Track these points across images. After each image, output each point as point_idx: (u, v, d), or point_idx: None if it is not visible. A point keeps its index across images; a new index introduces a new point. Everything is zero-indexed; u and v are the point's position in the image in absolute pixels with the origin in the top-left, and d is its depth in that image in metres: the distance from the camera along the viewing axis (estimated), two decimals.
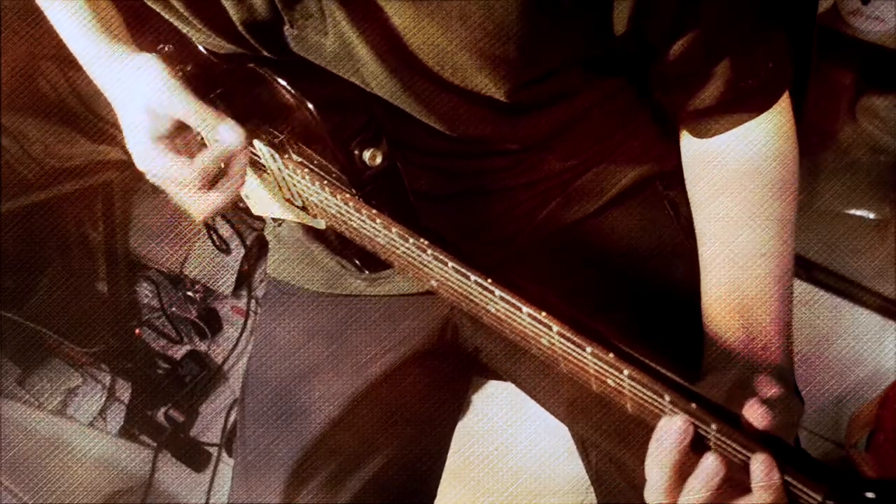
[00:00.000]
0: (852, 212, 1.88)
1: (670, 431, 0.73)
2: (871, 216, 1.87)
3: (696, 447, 0.73)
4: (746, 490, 0.71)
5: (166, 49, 1.02)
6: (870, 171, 1.86)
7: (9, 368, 2.09)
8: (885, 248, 1.81)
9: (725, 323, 0.91)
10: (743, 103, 0.90)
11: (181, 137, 0.93)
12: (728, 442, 0.71)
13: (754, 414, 0.71)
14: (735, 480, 0.72)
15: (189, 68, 1.00)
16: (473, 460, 1.15)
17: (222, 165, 0.92)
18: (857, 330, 1.81)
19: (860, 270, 1.82)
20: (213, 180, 0.92)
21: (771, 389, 0.77)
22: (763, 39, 0.88)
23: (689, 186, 0.97)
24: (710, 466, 0.72)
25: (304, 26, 0.84)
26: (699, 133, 0.93)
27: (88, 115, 1.91)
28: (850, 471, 1.63)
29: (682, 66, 0.86)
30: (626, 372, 0.72)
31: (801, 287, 1.86)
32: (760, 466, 0.69)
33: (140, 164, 0.94)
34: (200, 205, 0.94)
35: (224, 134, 0.91)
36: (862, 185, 1.86)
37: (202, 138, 0.94)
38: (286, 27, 0.85)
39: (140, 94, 0.92)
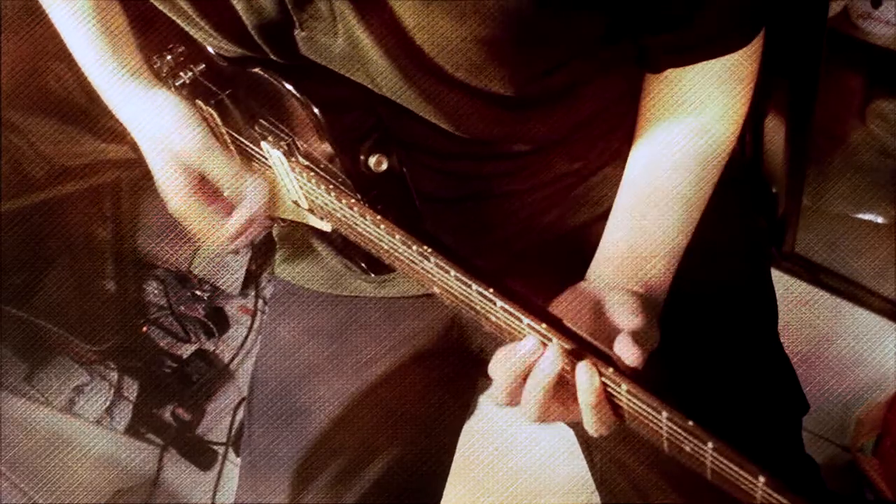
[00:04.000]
0: (860, 215, 1.88)
1: (526, 346, 0.79)
2: (879, 220, 1.87)
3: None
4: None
5: (175, 49, 1.03)
6: (878, 174, 1.86)
7: (16, 365, 2.10)
8: (889, 250, 1.81)
9: (617, 226, 0.97)
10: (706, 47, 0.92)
11: (210, 187, 1.03)
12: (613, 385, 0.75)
13: (626, 352, 0.77)
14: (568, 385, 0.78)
15: (198, 70, 1.02)
16: (473, 460, 1.16)
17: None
18: (858, 330, 1.81)
19: (864, 272, 1.83)
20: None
21: (636, 318, 0.82)
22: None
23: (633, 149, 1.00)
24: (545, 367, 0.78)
25: (314, 28, 0.84)
26: (664, 76, 0.96)
27: (97, 114, 1.92)
28: (855, 475, 1.63)
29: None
30: (624, 387, 0.73)
31: (801, 287, 1.87)
32: (583, 372, 0.75)
33: (172, 211, 1.05)
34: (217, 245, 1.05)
35: (252, 196, 1.01)
36: (870, 188, 1.87)
37: None
38: (296, 30, 0.85)
39: (166, 139, 1.01)
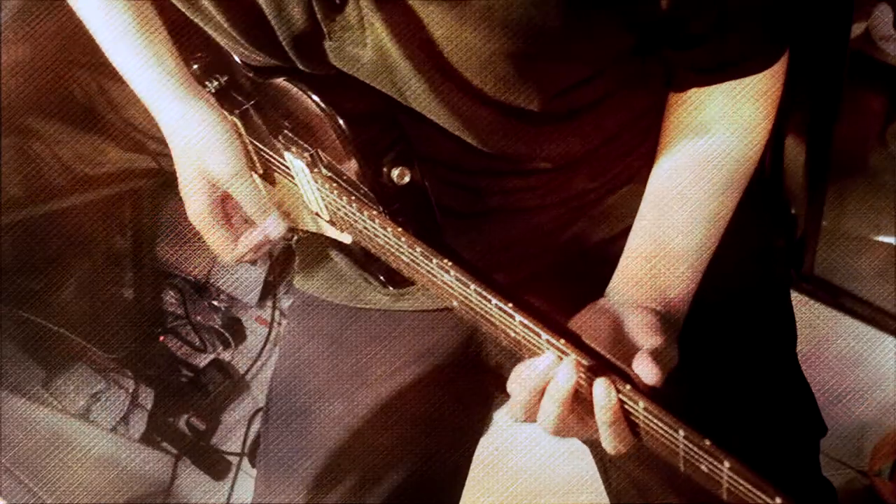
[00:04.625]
0: (880, 237, 1.87)
1: (545, 362, 0.78)
2: None
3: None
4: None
5: (201, 59, 1.04)
6: None
7: (34, 371, 2.11)
8: None
9: (637, 243, 0.97)
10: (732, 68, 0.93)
11: (233, 207, 1.08)
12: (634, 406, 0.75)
13: (645, 371, 0.77)
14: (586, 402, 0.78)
15: (223, 79, 1.03)
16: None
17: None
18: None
19: (884, 295, 1.81)
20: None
21: (655, 337, 0.82)
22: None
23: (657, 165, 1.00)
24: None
25: (343, 38, 0.85)
26: (687, 97, 0.96)
27: (120, 124, 1.94)
28: (872, 499, 1.62)
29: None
30: (641, 404, 0.73)
31: (825, 312, 1.86)
32: (600, 388, 0.75)
33: (192, 220, 1.08)
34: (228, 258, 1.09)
35: (270, 225, 1.06)
36: (890, 210, 1.85)
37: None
38: (325, 40, 0.86)
39: (201, 155, 1.03)
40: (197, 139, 1.03)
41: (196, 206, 1.06)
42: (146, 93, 1.06)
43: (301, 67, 0.90)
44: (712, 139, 0.95)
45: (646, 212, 0.98)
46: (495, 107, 0.88)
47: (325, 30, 0.85)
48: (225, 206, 1.07)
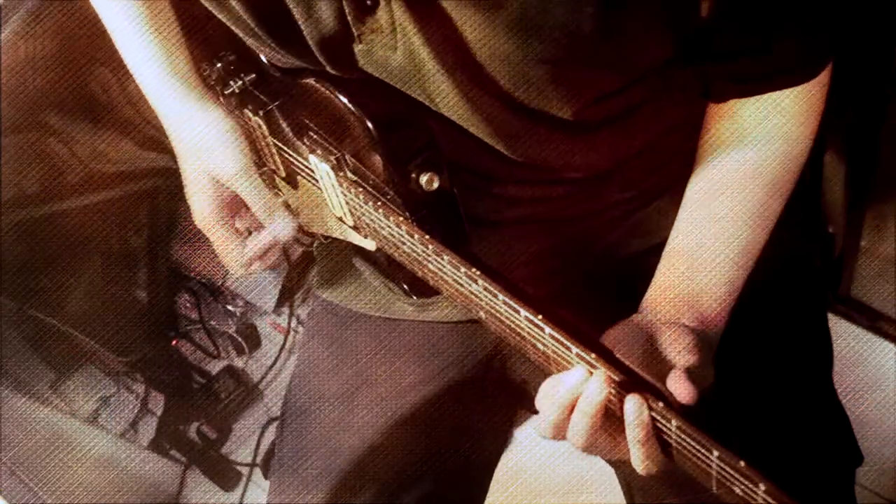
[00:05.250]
0: None
1: (575, 377, 0.78)
2: None
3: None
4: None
5: (225, 57, 1.05)
6: None
7: (43, 372, 2.11)
8: None
9: (673, 257, 0.96)
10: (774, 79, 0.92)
11: (240, 208, 1.08)
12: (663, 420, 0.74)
13: (679, 390, 0.76)
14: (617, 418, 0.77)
15: (248, 79, 1.03)
16: None
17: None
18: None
19: None
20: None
21: (691, 355, 0.81)
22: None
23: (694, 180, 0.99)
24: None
25: (373, 41, 0.85)
26: (726, 108, 0.95)
27: (138, 121, 1.94)
28: None
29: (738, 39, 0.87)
30: (674, 423, 0.73)
31: (861, 335, 1.85)
32: (632, 404, 0.74)
33: (198, 222, 1.08)
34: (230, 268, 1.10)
35: (278, 226, 1.05)
36: None
37: None
38: (354, 43, 0.86)
39: (205, 153, 1.04)
40: (200, 136, 1.04)
41: (201, 207, 1.07)
42: (151, 89, 1.07)
43: (329, 70, 0.90)
44: (751, 153, 0.94)
45: (682, 227, 0.98)
46: (526, 114, 0.88)
47: (354, 32, 0.85)
48: (232, 209, 1.08)
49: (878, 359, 1.75)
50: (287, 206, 1.11)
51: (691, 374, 0.78)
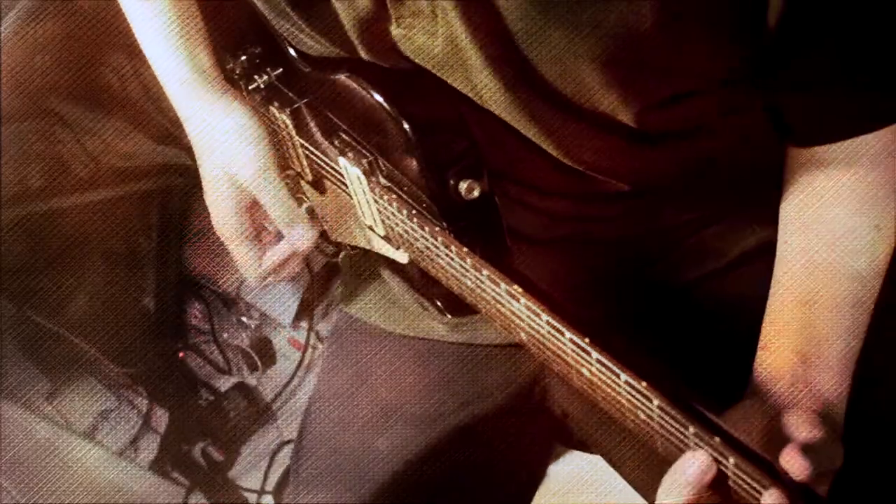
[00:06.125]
0: None
1: (694, 464, 0.74)
2: None
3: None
4: None
5: (250, 50, 1.05)
6: None
7: (39, 381, 2.11)
8: None
9: (780, 336, 0.92)
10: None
11: (261, 213, 1.08)
12: (745, 478, 0.72)
13: (793, 464, 0.73)
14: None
15: (275, 73, 1.03)
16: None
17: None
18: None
19: None
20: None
21: (813, 431, 0.78)
22: None
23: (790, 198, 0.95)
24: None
25: (412, 26, 0.85)
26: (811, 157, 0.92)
27: (154, 114, 1.95)
28: None
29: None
30: (731, 460, 0.72)
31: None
32: (773, 500, 0.70)
33: (217, 229, 1.09)
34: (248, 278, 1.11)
35: (296, 236, 1.06)
36: None
37: None
38: (392, 26, 0.86)
39: (225, 153, 1.04)
40: (219, 133, 1.04)
41: (221, 213, 1.07)
42: (168, 80, 1.08)
43: (364, 56, 0.90)
44: (852, 217, 0.90)
45: (783, 300, 0.94)
46: (576, 114, 0.87)
47: (392, 14, 0.85)
48: (254, 217, 1.08)
49: None
50: (312, 212, 1.11)
51: (809, 448, 0.75)
